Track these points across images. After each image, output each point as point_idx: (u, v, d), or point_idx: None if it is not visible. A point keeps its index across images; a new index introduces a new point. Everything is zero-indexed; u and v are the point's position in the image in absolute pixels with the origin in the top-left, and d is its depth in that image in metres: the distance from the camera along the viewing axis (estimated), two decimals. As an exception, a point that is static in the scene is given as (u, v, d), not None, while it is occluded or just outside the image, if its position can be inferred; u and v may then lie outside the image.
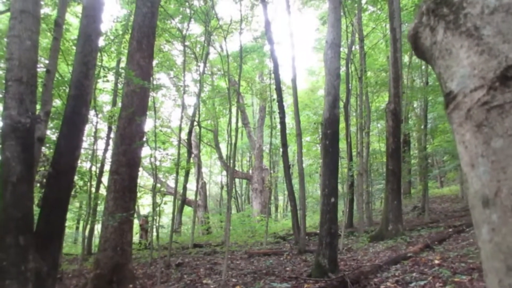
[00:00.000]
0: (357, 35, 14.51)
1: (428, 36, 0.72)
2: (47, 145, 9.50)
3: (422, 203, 15.08)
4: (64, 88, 9.43)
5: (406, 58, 16.35)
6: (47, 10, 10.51)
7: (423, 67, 16.94)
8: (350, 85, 13.75)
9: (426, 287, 5.15)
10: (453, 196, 18.61)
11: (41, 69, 8.07)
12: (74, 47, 9.79)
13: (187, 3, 12.64)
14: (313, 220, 18.74)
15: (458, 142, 0.65)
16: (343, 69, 12.65)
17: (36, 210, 5.93)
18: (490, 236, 0.58)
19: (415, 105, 21.08)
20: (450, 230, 9.96)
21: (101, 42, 8.73)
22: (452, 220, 11.89)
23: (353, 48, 14.98)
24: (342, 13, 9.66)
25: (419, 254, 7.49)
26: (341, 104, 12.18)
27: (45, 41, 11.05)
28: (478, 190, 0.61)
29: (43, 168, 8.41)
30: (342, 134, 12.10)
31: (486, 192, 0.59)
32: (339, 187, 9.35)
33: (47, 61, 8.20)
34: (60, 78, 9.48)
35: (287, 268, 7.85)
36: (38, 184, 8.47)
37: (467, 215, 12.77)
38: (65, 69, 11.41)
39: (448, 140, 17.46)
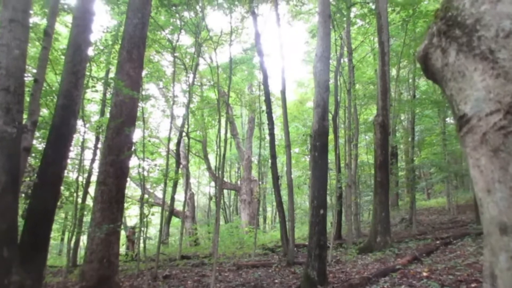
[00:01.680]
0: (345, 48, 14.68)
1: (439, 57, 0.70)
2: (33, 154, 9.36)
3: (409, 215, 15.16)
4: (51, 97, 9.34)
5: (393, 72, 16.58)
6: (36, 19, 10.43)
7: (410, 80, 17.20)
8: (338, 97, 13.88)
9: (415, 300, 5.16)
10: (440, 208, 18.77)
11: (28, 79, 7.98)
12: (63, 57, 9.72)
13: (177, 15, 12.67)
14: (301, 231, 18.71)
15: (472, 166, 0.63)
16: (332, 82, 12.76)
17: (20, 221, 5.82)
18: (509, 265, 0.56)
19: (402, 118, 21.35)
20: (438, 242, 10.02)
21: (90, 52, 8.68)
22: (439, 232, 11.97)
23: (341, 61, 15.14)
24: (331, 27, 9.78)
25: (408, 266, 7.51)
26: (330, 116, 12.26)
27: (33, 50, 10.96)
28: (495, 217, 0.59)
29: (28, 179, 8.26)
30: (330, 146, 12.16)
31: (504, 219, 0.57)
32: (328, 198, 9.36)
33: (34, 70, 8.12)
34: (48, 87, 9.39)
35: (276, 280, 7.79)
36: (23, 195, 8.30)
37: (454, 227, 12.90)
38: (53, 79, 11.30)
39: (434, 153, 17.70)
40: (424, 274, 6.44)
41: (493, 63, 0.60)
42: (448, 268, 6.66)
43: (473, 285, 5.38)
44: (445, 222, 14.66)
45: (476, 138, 0.62)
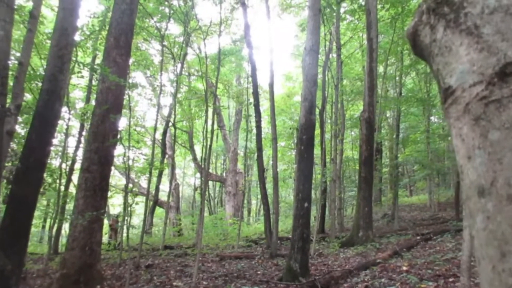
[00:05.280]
0: (334, 44, 14.74)
1: (428, 34, 0.76)
2: (16, 140, 9.20)
3: (392, 211, 15.38)
4: (36, 82, 9.17)
5: (381, 69, 16.72)
6: (21, 1, 10.21)
7: (397, 78, 17.37)
8: (326, 92, 13.94)
9: (394, 292, 5.25)
10: (422, 205, 19.09)
11: (11, 62, 7.81)
12: (48, 41, 9.54)
13: (166, 2, 12.54)
14: (285, 224, 18.84)
15: (455, 135, 0.69)
16: (320, 76, 12.81)
17: (1, 206, 5.74)
18: (485, 224, 0.62)
19: (388, 115, 21.58)
20: (418, 237, 10.20)
21: (77, 37, 8.54)
22: (420, 228, 12.19)
23: (330, 56, 15.20)
24: (321, 21, 9.80)
25: (388, 260, 7.64)
26: (317, 111, 12.32)
27: (17, 33, 10.73)
28: (474, 181, 0.65)
29: (10, 163, 8.13)
30: (317, 140, 12.23)
31: (482, 182, 0.63)
32: (312, 192, 9.46)
33: (18, 54, 7.95)
34: (32, 72, 9.21)
35: (259, 272, 7.85)
36: (5, 180, 8.17)
37: (435, 223, 13.14)
38: (37, 63, 11.09)
39: (418, 150, 17.95)
40: (404, 268, 6.56)
41: (477, 38, 0.66)
42: (427, 263, 6.80)
43: (450, 279, 5.50)
44: (426, 219, 14.93)
45: (459, 108, 0.68)
